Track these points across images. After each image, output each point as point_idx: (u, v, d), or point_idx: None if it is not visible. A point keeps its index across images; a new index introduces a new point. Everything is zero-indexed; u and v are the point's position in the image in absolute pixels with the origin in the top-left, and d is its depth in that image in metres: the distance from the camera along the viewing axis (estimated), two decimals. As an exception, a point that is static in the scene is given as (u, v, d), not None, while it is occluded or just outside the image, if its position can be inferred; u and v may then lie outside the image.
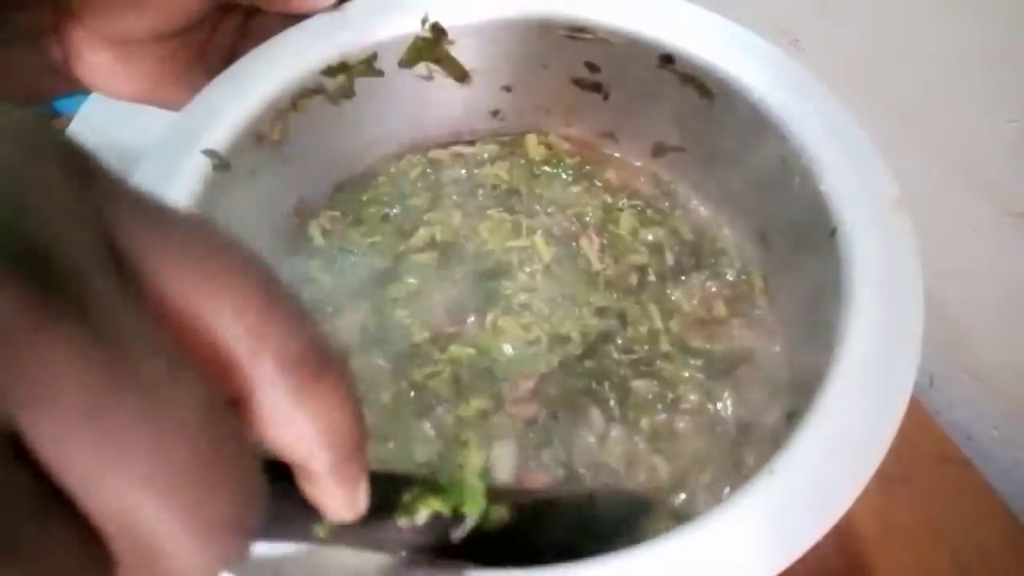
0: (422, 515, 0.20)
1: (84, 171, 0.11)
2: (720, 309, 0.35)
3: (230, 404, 0.12)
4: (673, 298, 0.35)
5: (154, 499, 0.09)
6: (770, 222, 0.34)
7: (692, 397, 0.33)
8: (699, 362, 0.34)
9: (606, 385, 0.33)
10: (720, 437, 0.32)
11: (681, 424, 0.32)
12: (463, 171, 0.40)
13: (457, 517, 0.21)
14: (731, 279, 0.36)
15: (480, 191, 0.39)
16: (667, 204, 0.38)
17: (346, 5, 0.35)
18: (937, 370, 0.51)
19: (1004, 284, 0.45)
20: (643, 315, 0.35)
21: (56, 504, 0.09)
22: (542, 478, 0.31)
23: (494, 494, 0.22)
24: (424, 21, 0.35)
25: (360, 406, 0.14)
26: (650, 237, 0.37)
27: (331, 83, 0.35)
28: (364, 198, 0.39)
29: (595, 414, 0.32)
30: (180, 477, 0.09)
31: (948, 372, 0.50)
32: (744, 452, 0.31)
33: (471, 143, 0.41)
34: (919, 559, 0.42)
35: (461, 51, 0.36)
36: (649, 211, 0.38)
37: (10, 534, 0.08)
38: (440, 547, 0.21)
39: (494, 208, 0.38)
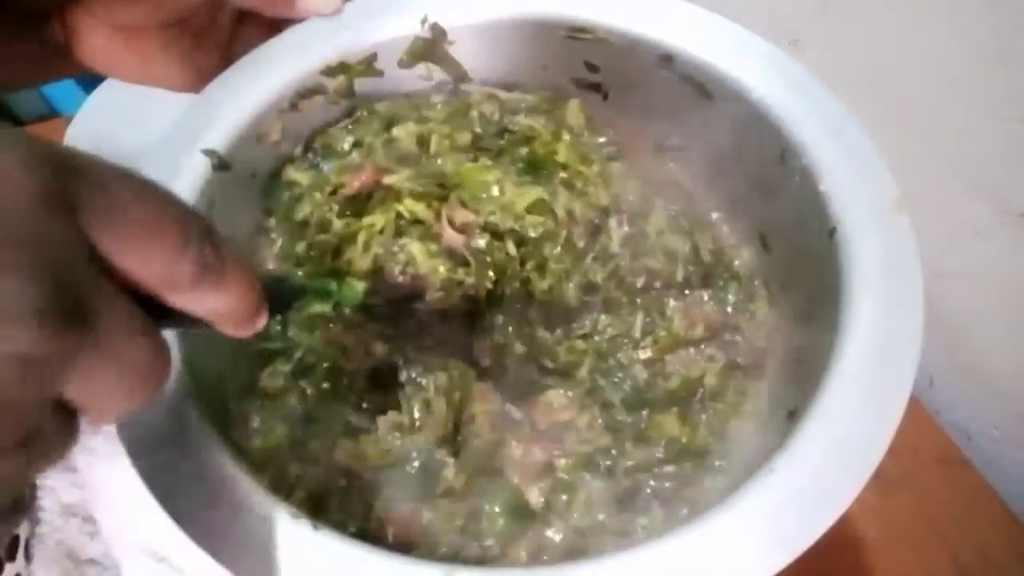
0: (307, 313, 0.30)
1: (60, 178, 0.15)
2: (699, 329, 0.33)
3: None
4: (667, 312, 0.34)
5: (119, 397, 0.17)
6: (770, 222, 0.34)
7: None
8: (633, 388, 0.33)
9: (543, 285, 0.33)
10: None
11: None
12: (496, 114, 0.37)
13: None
14: (730, 309, 0.34)
15: (507, 135, 0.37)
16: (689, 209, 0.36)
17: (345, 6, 0.35)
18: (937, 370, 0.51)
19: (1004, 284, 0.45)
20: (626, 318, 0.34)
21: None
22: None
23: (372, 291, 0.28)
24: (424, 21, 0.35)
25: (256, 282, 0.20)
26: (671, 246, 0.35)
27: (331, 83, 0.35)
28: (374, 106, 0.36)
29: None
30: (130, 384, 0.17)
31: (948, 372, 0.50)
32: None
33: (510, 89, 0.37)
34: (919, 559, 0.42)
35: (461, 51, 0.36)
36: (681, 219, 0.36)
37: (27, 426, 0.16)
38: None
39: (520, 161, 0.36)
